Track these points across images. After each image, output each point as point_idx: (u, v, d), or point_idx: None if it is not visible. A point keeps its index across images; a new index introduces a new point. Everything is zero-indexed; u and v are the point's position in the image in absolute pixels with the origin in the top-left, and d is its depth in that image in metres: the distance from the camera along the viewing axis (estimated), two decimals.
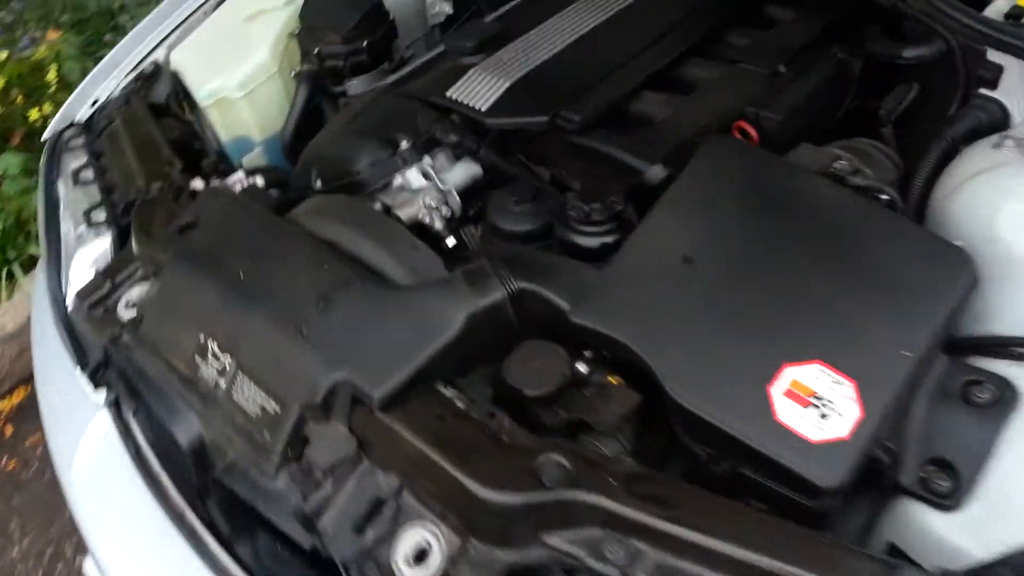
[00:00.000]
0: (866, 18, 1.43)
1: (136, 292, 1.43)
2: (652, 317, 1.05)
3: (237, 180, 1.66)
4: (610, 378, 1.08)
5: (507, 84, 1.42)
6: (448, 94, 1.44)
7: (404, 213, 1.35)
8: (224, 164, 1.73)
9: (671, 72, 1.46)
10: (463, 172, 1.41)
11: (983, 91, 1.22)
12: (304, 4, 1.80)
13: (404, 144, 1.39)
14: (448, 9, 2.11)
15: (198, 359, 1.21)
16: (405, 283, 1.18)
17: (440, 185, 1.36)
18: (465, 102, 1.42)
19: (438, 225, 1.36)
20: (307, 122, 1.79)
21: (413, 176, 1.37)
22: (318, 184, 1.51)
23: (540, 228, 1.32)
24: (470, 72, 1.47)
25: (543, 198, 1.34)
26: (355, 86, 1.84)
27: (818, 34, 1.44)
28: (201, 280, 1.25)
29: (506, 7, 1.81)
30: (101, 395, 1.42)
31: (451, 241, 1.38)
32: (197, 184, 1.59)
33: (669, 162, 1.24)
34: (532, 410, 1.06)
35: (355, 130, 1.46)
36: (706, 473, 1.03)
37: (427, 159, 1.41)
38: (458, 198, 1.38)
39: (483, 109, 1.39)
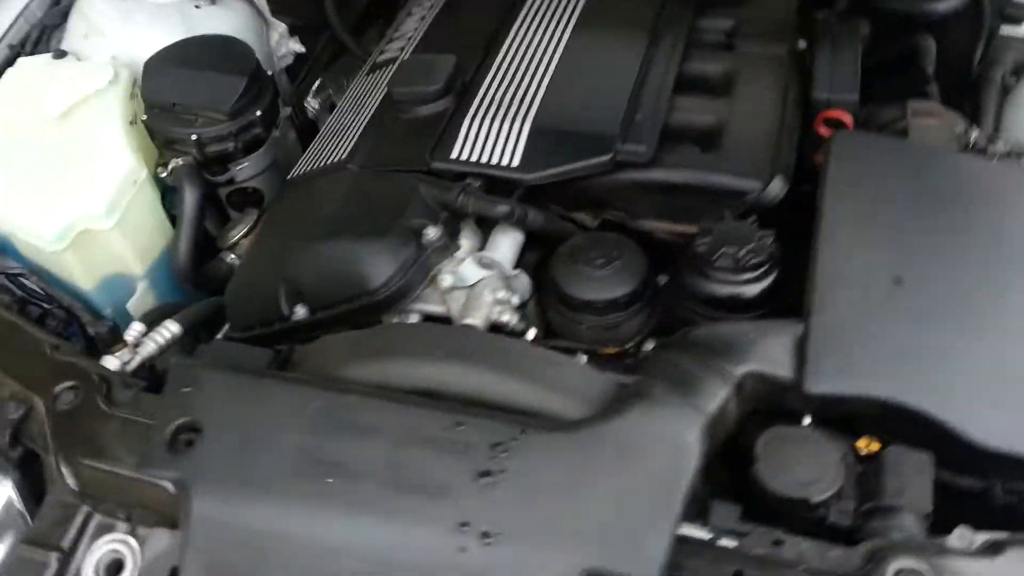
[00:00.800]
0: None
1: (105, 553, 1.00)
2: (904, 361, 0.94)
3: (135, 336, 1.25)
4: (864, 443, 0.97)
5: (525, 128, 1.20)
6: (455, 155, 1.18)
7: (476, 319, 1.08)
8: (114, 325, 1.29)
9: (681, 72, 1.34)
10: (511, 245, 1.17)
11: (1007, 30, 1.29)
12: (146, 78, 1.38)
13: (432, 232, 1.11)
14: (298, 47, 1.77)
15: None
16: (574, 415, 0.94)
17: (508, 271, 1.11)
18: (483, 160, 1.18)
19: (514, 320, 1.12)
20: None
21: (468, 269, 1.10)
22: (301, 314, 1.17)
23: (637, 289, 1.14)
24: (467, 123, 1.22)
25: (629, 253, 1.16)
26: (246, 169, 1.47)
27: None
28: (268, 512, 0.89)
29: (397, 33, 1.56)
30: None
31: (532, 334, 1.14)
32: (110, 363, 1.15)
33: (778, 174, 1.13)
34: (806, 514, 0.91)
35: (348, 229, 1.14)
36: (980, 506, 0.96)
37: (465, 243, 1.15)
38: (528, 279, 1.14)
39: (515, 165, 1.16)
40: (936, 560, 0.84)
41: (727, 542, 0.88)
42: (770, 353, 0.95)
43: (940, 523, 0.91)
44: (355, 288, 1.11)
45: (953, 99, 1.36)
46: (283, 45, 1.74)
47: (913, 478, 0.89)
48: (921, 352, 0.94)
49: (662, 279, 1.21)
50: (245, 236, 1.45)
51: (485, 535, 0.84)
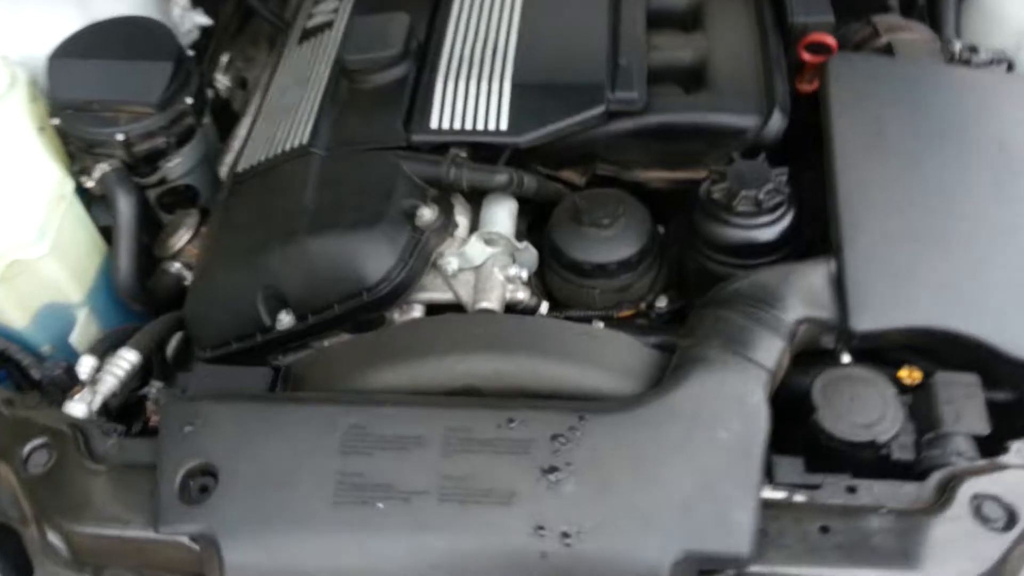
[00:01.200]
0: None
1: None
2: (939, 286, 0.93)
3: (90, 373, 1.11)
4: (905, 373, 0.96)
5: (505, 86, 1.11)
6: (435, 125, 1.08)
7: (491, 301, 1.00)
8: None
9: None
10: (508, 216, 1.09)
11: None
12: (53, 75, 1.19)
13: (427, 213, 1.02)
14: (203, 20, 1.60)
15: None
16: (627, 391, 0.89)
17: (516, 244, 1.03)
18: (467, 127, 1.08)
19: (526, 296, 1.05)
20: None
21: (474, 248, 1.02)
22: (287, 321, 1.06)
23: (646, 245, 1.09)
24: (440, 88, 1.12)
25: (632, 208, 1.10)
26: (179, 165, 1.31)
27: None
28: (314, 550, 0.80)
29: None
30: None
31: (544, 308, 1.08)
32: (76, 410, 1.02)
33: (776, 108, 1.09)
34: (871, 454, 0.89)
35: (333, 221, 1.02)
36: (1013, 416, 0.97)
37: (461, 220, 1.06)
38: (534, 251, 1.07)
39: (503, 128, 1.08)
40: (1003, 478, 0.86)
41: (799, 497, 0.86)
42: (814, 296, 0.92)
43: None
44: (352, 285, 1.01)
45: (903, 9, 1.37)
46: (187, 19, 1.56)
47: (966, 402, 0.89)
48: (952, 274, 0.94)
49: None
50: (190, 242, 1.32)
51: (565, 535, 0.79)
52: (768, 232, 1.01)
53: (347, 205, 1.05)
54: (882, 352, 0.97)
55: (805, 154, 1.13)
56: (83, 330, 1.21)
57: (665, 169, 1.15)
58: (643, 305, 1.11)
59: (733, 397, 0.84)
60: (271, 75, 1.40)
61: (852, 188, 0.98)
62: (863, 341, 0.93)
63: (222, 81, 1.63)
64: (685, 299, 1.11)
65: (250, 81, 1.78)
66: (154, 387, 1.27)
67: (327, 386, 0.94)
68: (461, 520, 0.80)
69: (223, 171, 1.49)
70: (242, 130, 1.61)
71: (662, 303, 1.12)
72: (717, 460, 0.81)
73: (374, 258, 1.00)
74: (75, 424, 0.95)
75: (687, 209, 1.10)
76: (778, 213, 1.01)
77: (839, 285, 0.93)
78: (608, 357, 0.91)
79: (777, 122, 1.09)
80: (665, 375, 0.87)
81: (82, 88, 1.19)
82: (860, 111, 1.03)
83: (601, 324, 1.06)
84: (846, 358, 0.96)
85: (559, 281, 1.11)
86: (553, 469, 0.82)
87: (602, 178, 1.19)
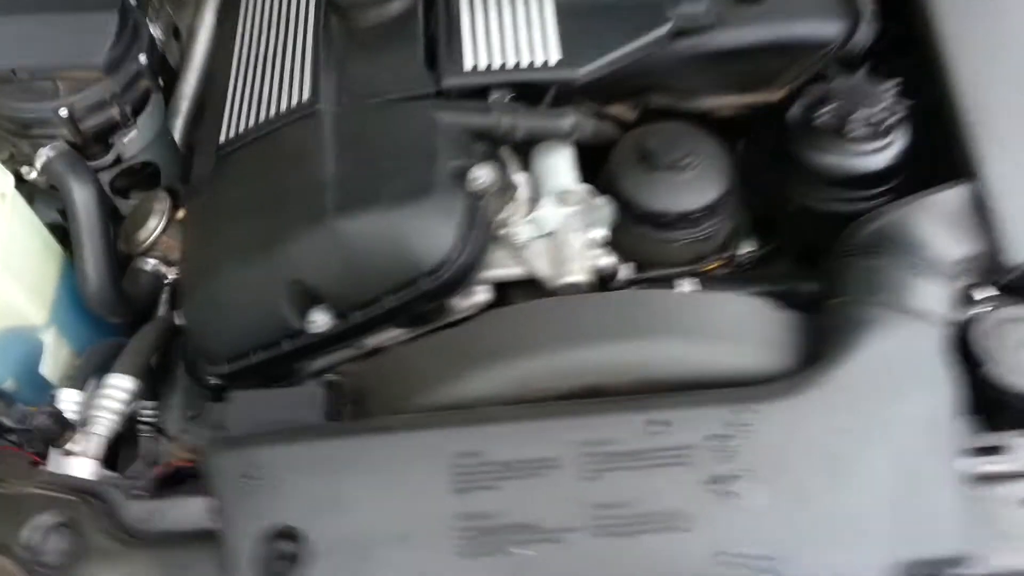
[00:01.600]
0: None
1: None
2: None
3: (77, 411, 0.89)
4: None
5: (547, 10, 0.89)
6: (470, 65, 0.86)
7: (578, 273, 0.81)
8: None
9: None
10: (568, 164, 0.89)
11: None
12: None
13: (483, 174, 0.80)
14: None
15: None
16: (775, 369, 0.72)
17: (594, 201, 0.84)
18: (509, 64, 0.87)
19: (612, 261, 0.87)
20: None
21: (548, 211, 0.82)
22: (323, 322, 0.84)
23: (731, 185, 0.91)
24: (467, 19, 0.89)
25: (707, 143, 0.92)
26: (136, 139, 1.04)
27: None
28: None
29: None
30: None
31: (625, 271, 0.90)
32: (80, 469, 0.79)
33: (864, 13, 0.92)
34: None
35: (370, 193, 0.80)
36: None
37: (520, 177, 0.86)
38: (612, 206, 0.88)
39: (553, 61, 0.86)
40: None
41: (993, 466, 0.73)
42: (961, 230, 0.77)
43: None
44: (405, 272, 0.79)
45: None
46: None
47: None
48: None
49: None
50: (164, 231, 1.06)
51: (760, 559, 0.64)
52: (885, 157, 0.84)
53: (381, 173, 0.82)
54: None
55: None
56: (54, 357, 0.96)
57: (734, 93, 0.97)
58: (728, 254, 0.95)
59: (912, 362, 0.69)
60: (221, 19, 1.13)
61: (978, 97, 0.82)
62: (1013, 274, 0.80)
63: (154, 32, 1.35)
64: (775, 242, 0.96)
65: (183, 29, 1.51)
66: (145, 408, 1.06)
67: (405, 404, 0.75)
68: (627, 556, 0.63)
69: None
70: (187, 88, 1.36)
71: (745, 249, 0.96)
72: (912, 441, 0.66)
73: (430, 236, 0.79)
74: (91, 490, 0.72)
75: (770, 137, 0.93)
76: (898, 133, 0.85)
77: (983, 213, 0.79)
78: (744, 328, 0.74)
79: (866, 29, 0.92)
80: (821, 344, 0.72)
81: (4, 54, 0.91)
82: (965, 7, 0.88)
83: (691, 282, 0.90)
84: (981, 295, 0.83)
85: (628, 236, 0.92)
86: (723, 478, 0.66)
87: (655, 110, 1.01)
